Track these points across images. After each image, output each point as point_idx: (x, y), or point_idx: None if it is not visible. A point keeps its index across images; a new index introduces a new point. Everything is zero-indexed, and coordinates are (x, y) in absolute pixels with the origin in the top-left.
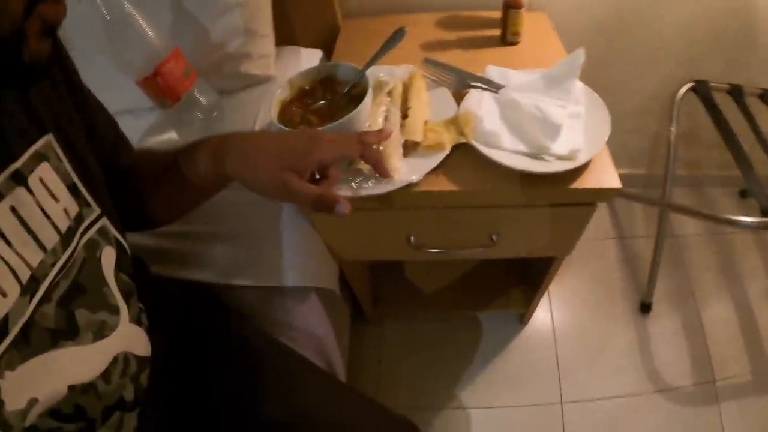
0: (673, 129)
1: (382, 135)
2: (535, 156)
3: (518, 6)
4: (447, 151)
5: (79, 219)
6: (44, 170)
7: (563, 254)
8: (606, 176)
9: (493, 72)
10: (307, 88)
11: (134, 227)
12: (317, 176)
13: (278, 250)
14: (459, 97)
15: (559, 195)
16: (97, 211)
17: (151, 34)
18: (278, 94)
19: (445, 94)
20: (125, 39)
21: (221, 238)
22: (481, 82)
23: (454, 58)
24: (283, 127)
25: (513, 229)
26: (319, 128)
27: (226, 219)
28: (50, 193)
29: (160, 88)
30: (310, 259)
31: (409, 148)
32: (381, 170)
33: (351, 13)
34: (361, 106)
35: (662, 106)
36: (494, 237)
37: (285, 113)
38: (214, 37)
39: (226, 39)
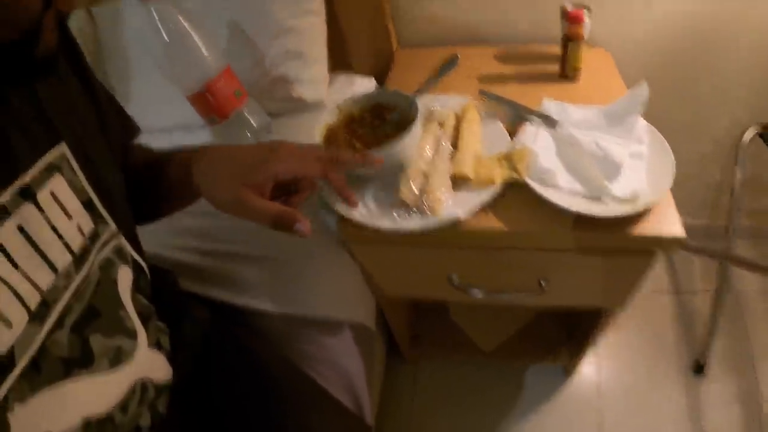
0: (738, 175)
1: (342, 156)
2: (592, 197)
3: (579, 38)
4: (497, 188)
5: (94, 237)
6: (56, 183)
7: (616, 307)
8: (669, 223)
9: (551, 106)
10: (355, 115)
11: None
12: (294, 189)
13: (313, 278)
14: (514, 132)
15: (616, 241)
16: (113, 228)
17: (204, 51)
18: (325, 118)
19: (499, 128)
20: (179, 55)
21: (253, 260)
22: (537, 116)
23: (510, 91)
24: None
25: (564, 276)
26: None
27: (261, 241)
28: (63, 209)
29: (210, 104)
30: (345, 292)
31: (459, 182)
32: (343, 194)
33: (407, 43)
34: (407, 133)
35: (726, 152)
36: (543, 283)
37: (330, 139)
38: (268, 60)
39: (279, 62)
